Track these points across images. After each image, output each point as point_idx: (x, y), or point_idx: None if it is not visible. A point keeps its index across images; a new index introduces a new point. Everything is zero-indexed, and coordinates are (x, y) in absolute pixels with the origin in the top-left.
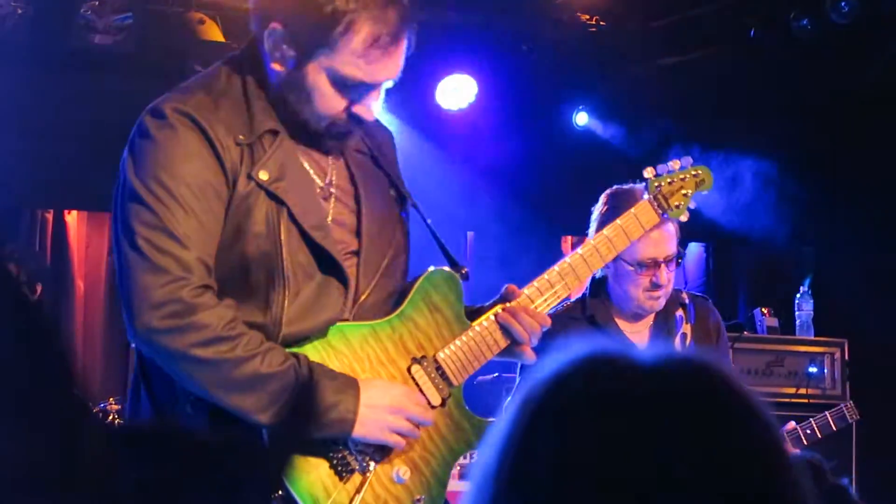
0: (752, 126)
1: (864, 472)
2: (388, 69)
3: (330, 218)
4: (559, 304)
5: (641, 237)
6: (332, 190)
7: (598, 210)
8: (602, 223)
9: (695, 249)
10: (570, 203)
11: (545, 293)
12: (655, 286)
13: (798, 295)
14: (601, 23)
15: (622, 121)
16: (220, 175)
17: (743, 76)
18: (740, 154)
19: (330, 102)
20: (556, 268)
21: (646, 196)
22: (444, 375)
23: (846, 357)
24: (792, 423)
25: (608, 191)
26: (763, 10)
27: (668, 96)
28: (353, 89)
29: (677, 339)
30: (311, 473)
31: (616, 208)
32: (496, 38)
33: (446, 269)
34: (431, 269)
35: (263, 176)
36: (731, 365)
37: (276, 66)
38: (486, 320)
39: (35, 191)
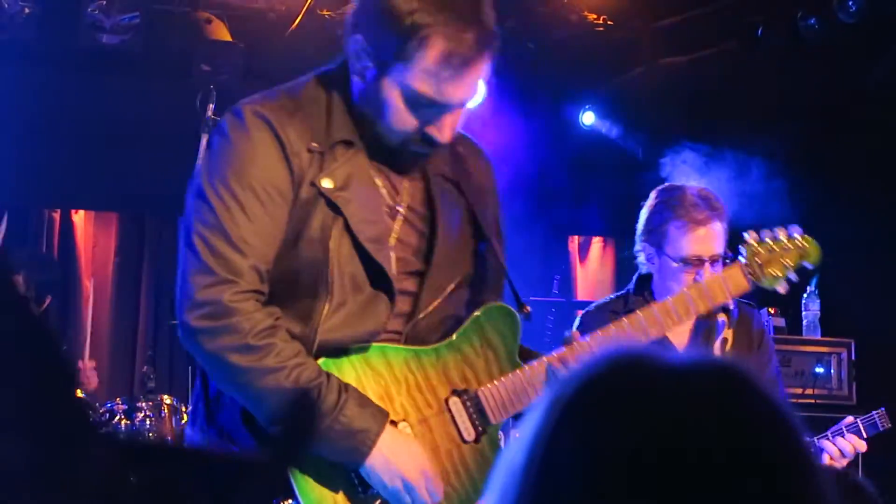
0: (759, 125)
1: (871, 473)
2: (459, 91)
3: (395, 236)
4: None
5: (689, 233)
6: (401, 209)
7: (646, 207)
8: (650, 220)
9: None
10: (577, 203)
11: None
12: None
13: (805, 295)
14: (608, 22)
15: (629, 120)
16: (286, 179)
17: (750, 75)
18: (747, 153)
19: (402, 118)
20: (624, 320)
21: (741, 259)
22: (482, 411)
23: (853, 357)
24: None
25: (659, 187)
26: (770, 10)
27: (675, 95)
28: (424, 107)
29: (717, 344)
30: (325, 490)
31: (665, 204)
32: (503, 38)
33: (507, 306)
34: (492, 303)
35: (327, 184)
36: (774, 374)
37: (357, 78)
38: (537, 362)
39: (42, 190)
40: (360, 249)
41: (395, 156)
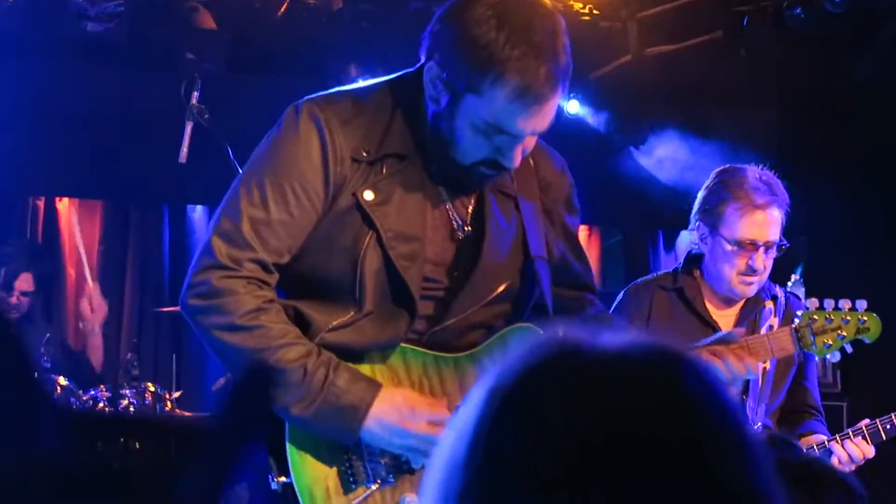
0: (745, 115)
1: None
2: (531, 124)
3: (445, 258)
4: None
5: (746, 216)
6: (459, 224)
7: (704, 186)
8: (706, 200)
9: (687, 238)
10: None
11: None
12: (751, 270)
13: (790, 283)
14: (594, 12)
15: (615, 110)
16: (321, 183)
17: (736, 65)
18: (733, 143)
19: (473, 146)
20: None
21: (795, 321)
22: None
23: None
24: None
25: (719, 168)
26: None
27: (661, 85)
28: (495, 137)
29: (763, 331)
30: (318, 472)
31: (723, 184)
32: None
33: (534, 327)
34: (521, 323)
35: (368, 196)
36: (812, 370)
37: (431, 101)
38: None
39: (26, 178)
40: (389, 265)
41: (463, 175)
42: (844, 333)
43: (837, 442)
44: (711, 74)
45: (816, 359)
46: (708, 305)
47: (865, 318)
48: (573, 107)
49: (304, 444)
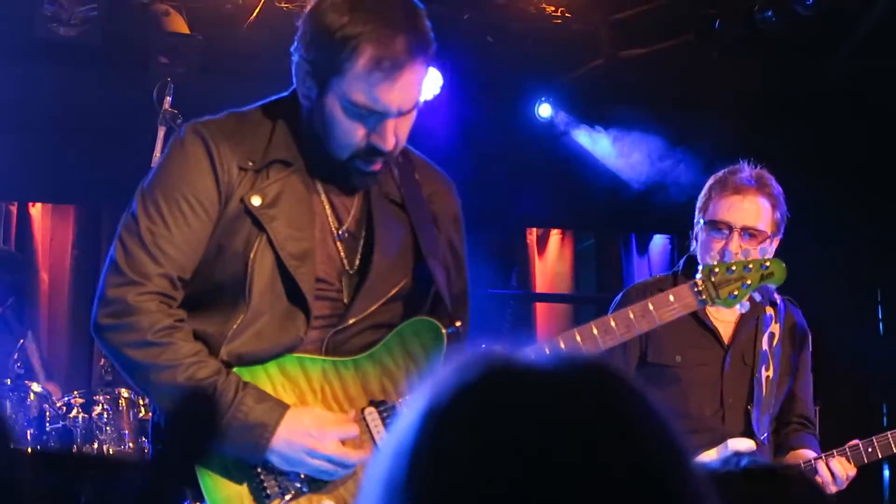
0: (717, 118)
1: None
2: (393, 96)
3: (341, 258)
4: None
5: (724, 197)
6: (344, 228)
7: (705, 192)
8: (701, 197)
9: (660, 241)
10: (535, 195)
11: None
12: (727, 254)
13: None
14: (566, 14)
15: (586, 112)
16: (213, 193)
17: (707, 68)
18: (704, 146)
19: (346, 131)
20: (559, 338)
21: (697, 277)
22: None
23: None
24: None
25: (715, 176)
26: (727, 2)
27: (633, 87)
28: (364, 117)
29: (765, 338)
30: (231, 491)
31: (716, 178)
32: (462, 30)
33: (433, 320)
34: (416, 317)
35: (255, 201)
36: (810, 378)
37: (304, 101)
38: None
39: None
40: (281, 265)
41: (343, 177)
42: (749, 281)
43: (822, 461)
44: (683, 77)
45: (810, 372)
46: (708, 310)
47: (768, 264)
48: (545, 110)
49: (213, 466)
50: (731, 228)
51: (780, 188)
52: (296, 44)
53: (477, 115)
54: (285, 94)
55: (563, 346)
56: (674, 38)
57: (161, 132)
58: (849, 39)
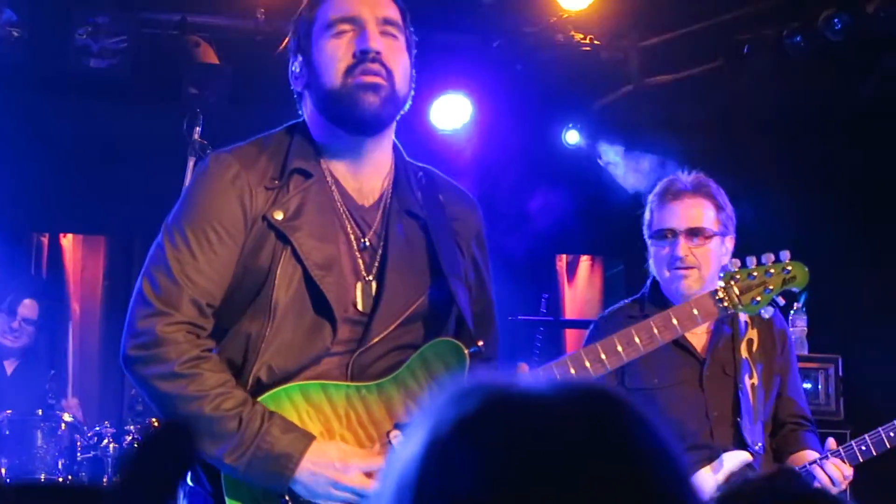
0: (747, 142)
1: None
2: (350, 1)
3: (360, 266)
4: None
5: (662, 206)
6: (367, 241)
7: (645, 210)
8: (646, 223)
9: None
10: (564, 222)
11: (556, 371)
12: (675, 259)
13: (792, 311)
14: (595, 42)
15: (616, 139)
16: (238, 218)
17: (736, 94)
18: (735, 170)
19: (332, 51)
20: (580, 352)
21: (719, 283)
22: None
23: (840, 373)
24: (832, 441)
25: (655, 188)
26: (756, 28)
27: (662, 114)
28: (344, 33)
29: (743, 345)
30: None
31: (655, 193)
32: (491, 58)
33: (455, 341)
34: (439, 338)
35: (277, 216)
36: (796, 377)
37: (305, 99)
38: None
39: (30, 214)
40: (306, 275)
41: (348, 109)
42: (771, 287)
43: (818, 465)
44: (712, 103)
45: (798, 371)
46: None
47: (790, 268)
48: (572, 136)
49: (241, 495)
50: (675, 233)
51: (720, 188)
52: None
53: (506, 142)
54: (298, 120)
55: (587, 363)
56: (703, 64)
57: (191, 163)
58: (878, 63)
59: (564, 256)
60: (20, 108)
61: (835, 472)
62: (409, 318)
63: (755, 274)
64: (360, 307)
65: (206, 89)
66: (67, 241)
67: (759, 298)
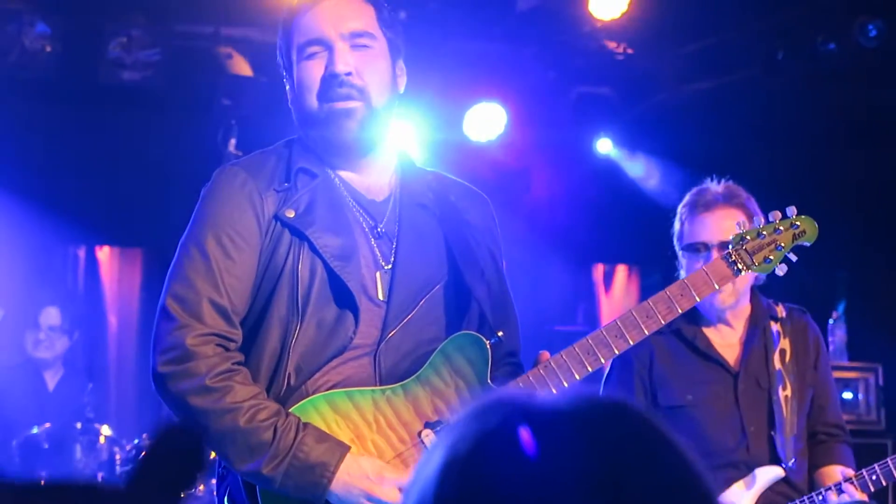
0: (782, 150)
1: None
2: (319, 20)
3: (376, 254)
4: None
5: (694, 219)
6: (381, 230)
7: (675, 220)
8: (676, 235)
9: None
10: (601, 231)
11: (582, 355)
12: None
13: (831, 321)
14: (628, 50)
15: (651, 146)
16: (253, 225)
17: (772, 101)
18: (770, 178)
19: (306, 76)
20: (602, 330)
21: (730, 248)
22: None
23: (881, 382)
24: (850, 471)
25: (686, 197)
26: (790, 35)
27: (696, 122)
28: (314, 56)
29: (776, 356)
30: None
31: (686, 203)
32: (525, 67)
33: (474, 333)
34: (458, 333)
35: (290, 214)
36: (832, 387)
37: (291, 97)
38: (512, 383)
39: (67, 227)
40: (327, 268)
41: (327, 132)
42: (782, 244)
43: (833, 492)
44: (747, 111)
45: (835, 380)
46: (710, 340)
47: (798, 223)
48: (604, 146)
49: None
50: (707, 247)
51: (751, 196)
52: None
53: (541, 151)
54: (295, 136)
55: (606, 336)
56: (737, 71)
57: None
58: None
59: (601, 266)
60: (54, 122)
61: (847, 499)
62: (426, 309)
63: (765, 233)
64: (380, 296)
65: (239, 101)
66: (104, 253)
67: (771, 257)
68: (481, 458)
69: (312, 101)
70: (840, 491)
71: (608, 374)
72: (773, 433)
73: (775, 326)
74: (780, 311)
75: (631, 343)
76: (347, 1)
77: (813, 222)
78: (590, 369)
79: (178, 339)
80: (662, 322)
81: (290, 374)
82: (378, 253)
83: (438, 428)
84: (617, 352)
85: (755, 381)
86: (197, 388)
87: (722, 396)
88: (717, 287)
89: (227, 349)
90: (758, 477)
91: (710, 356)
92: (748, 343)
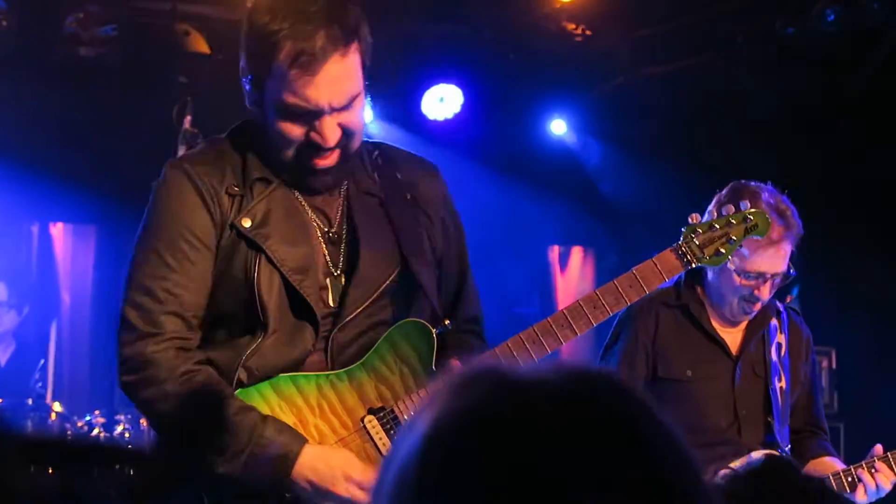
0: (738, 135)
1: None
2: (320, 92)
3: (326, 261)
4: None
5: (759, 248)
6: (334, 232)
7: (717, 198)
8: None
9: None
10: (556, 213)
11: (528, 344)
12: (755, 299)
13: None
14: (587, 32)
15: (607, 129)
16: (208, 225)
17: (729, 85)
18: (725, 163)
19: (285, 131)
20: (549, 320)
21: (680, 240)
22: (399, 425)
23: (834, 366)
24: (879, 447)
25: (733, 185)
26: (749, 19)
27: (654, 105)
28: (299, 116)
29: (773, 349)
30: None
31: (732, 198)
32: (484, 48)
33: (421, 321)
34: (404, 320)
35: (245, 223)
36: (818, 387)
37: (255, 112)
38: (452, 369)
39: (21, 204)
40: (284, 281)
41: (315, 181)
42: (734, 237)
43: (864, 469)
44: (704, 95)
45: (822, 381)
46: (714, 323)
47: (751, 217)
48: (559, 127)
49: (233, 499)
50: (764, 277)
51: (800, 220)
52: (240, 61)
53: (498, 133)
54: (248, 120)
55: (553, 327)
56: (696, 55)
57: (182, 151)
58: (871, 55)
59: (556, 247)
60: (9, 97)
61: (883, 480)
62: (382, 294)
63: (717, 226)
64: (331, 303)
65: (195, 78)
66: (57, 230)
67: (723, 250)
68: (465, 432)
69: (289, 153)
70: (874, 469)
71: (612, 340)
72: (769, 419)
73: (774, 322)
74: (780, 308)
75: (579, 333)
76: (345, 67)
77: (765, 216)
78: (535, 359)
79: (139, 349)
80: (610, 312)
81: (240, 379)
82: (328, 260)
83: (381, 414)
84: (563, 342)
85: (752, 369)
86: (161, 394)
87: (720, 378)
88: (665, 279)
89: (187, 350)
90: (754, 459)
91: (714, 337)
92: (749, 332)
